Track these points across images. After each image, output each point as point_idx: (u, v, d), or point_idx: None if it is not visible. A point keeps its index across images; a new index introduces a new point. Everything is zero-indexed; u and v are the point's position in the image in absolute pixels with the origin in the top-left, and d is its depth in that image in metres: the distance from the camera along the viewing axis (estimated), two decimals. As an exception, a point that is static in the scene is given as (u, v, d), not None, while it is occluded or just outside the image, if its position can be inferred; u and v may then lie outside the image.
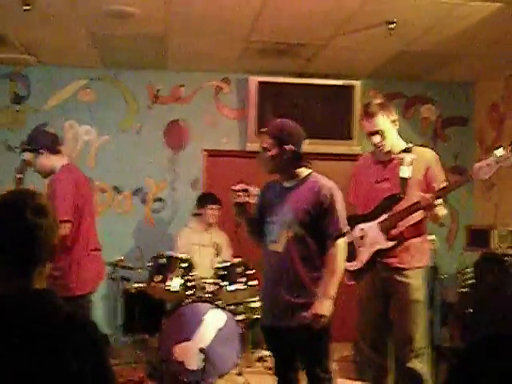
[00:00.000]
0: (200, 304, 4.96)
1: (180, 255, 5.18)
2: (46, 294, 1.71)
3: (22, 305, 1.64)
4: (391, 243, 3.68)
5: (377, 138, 3.71)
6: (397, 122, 3.78)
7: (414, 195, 3.63)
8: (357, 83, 6.38)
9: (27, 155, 4.05)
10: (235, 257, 5.40)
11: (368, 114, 3.73)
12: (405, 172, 3.69)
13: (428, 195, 3.53)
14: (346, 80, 6.37)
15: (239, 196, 3.41)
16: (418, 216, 3.66)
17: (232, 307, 5.24)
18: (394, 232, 3.68)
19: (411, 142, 3.85)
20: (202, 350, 4.64)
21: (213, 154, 6.70)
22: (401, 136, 3.87)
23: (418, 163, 3.71)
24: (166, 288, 4.97)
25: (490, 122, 6.49)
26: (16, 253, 1.67)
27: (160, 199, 6.62)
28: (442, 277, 4.14)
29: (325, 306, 3.26)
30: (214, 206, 5.78)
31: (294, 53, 5.82)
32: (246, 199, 3.42)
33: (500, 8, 4.44)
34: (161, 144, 6.60)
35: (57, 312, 1.67)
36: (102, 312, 6.23)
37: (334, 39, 5.35)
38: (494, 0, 4.36)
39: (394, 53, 5.72)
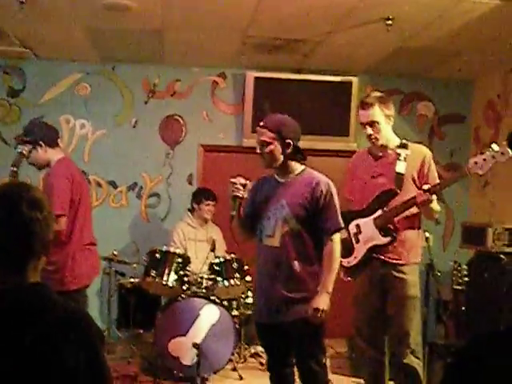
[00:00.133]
0: (195, 299, 4.97)
1: (175, 250, 5.17)
2: (41, 288, 1.69)
3: (17, 299, 1.63)
4: (387, 239, 3.69)
5: (370, 130, 3.72)
6: (392, 118, 3.79)
7: (409, 190, 3.64)
8: (354, 79, 6.36)
9: (23, 148, 4.00)
10: (229, 252, 5.39)
11: (364, 104, 3.75)
12: (401, 167, 3.69)
13: (424, 189, 3.53)
14: (343, 76, 6.36)
15: (238, 189, 3.40)
16: (412, 210, 3.67)
17: (226, 303, 5.24)
18: (389, 227, 3.68)
19: (407, 139, 3.86)
20: (195, 345, 4.64)
21: (209, 149, 6.69)
22: (397, 132, 3.88)
23: (413, 159, 3.73)
24: (164, 283, 4.95)
25: (486, 120, 6.49)
26: (11, 246, 1.65)
27: (156, 194, 6.61)
28: (437, 274, 4.13)
29: (324, 301, 3.29)
30: (210, 202, 5.77)
31: (291, 48, 5.80)
32: (244, 194, 3.42)
33: (499, 5, 4.43)
34: (157, 139, 6.58)
35: (52, 306, 1.66)
36: (96, 307, 6.23)
37: (331, 35, 5.34)
38: (492, -3, 4.36)
39: (392, 49, 5.71)
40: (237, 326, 5.15)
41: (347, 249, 3.71)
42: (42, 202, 1.70)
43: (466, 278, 4.61)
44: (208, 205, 5.78)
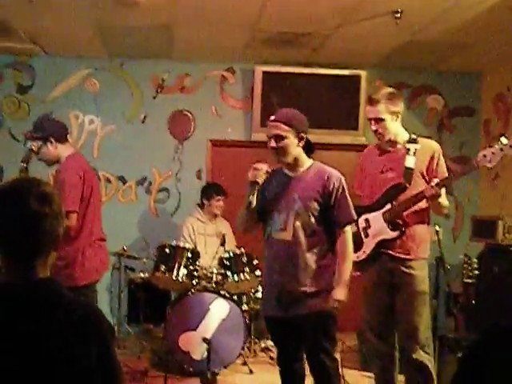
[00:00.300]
0: (205, 294, 4.97)
1: (185, 245, 5.18)
2: (51, 283, 1.70)
3: (27, 294, 1.63)
4: (395, 233, 3.68)
5: (375, 125, 3.72)
6: (399, 115, 3.76)
7: (418, 185, 3.63)
8: (363, 73, 6.34)
9: (33, 144, 4.00)
10: (239, 247, 5.39)
11: (371, 100, 3.75)
12: (410, 162, 3.68)
13: (433, 184, 3.52)
14: (352, 70, 6.34)
15: (260, 176, 3.39)
16: (421, 204, 3.66)
17: (236, 297, 5.25)
18: (398, 221, 3.68)
19: (416, 133, 3.84)
20: (205, 340, 4.65)
21: (218, 144, 6.69)
22: (406, 126, 3.86)
23: (422, 154, 3.71)
24: (173, 278, 4.96)
25: (496, 112, 6.46)
26: (20, 241, 1.65)
27: (165, 189, 6.62)
28: (448, 267, 4.12)
29: (343, 292, 3.30)
30: (220, 198, 5.77)
31: (299, 42, 5.79)
32: (262, 181, 3.40)
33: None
34: (166, 134, 6.59)
35: (62, 301, 1.66)
36: (106, 302, 6.25)
37: (340, 29, 5.32)
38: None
39: (400, 42, 5.68)
40: (247, 321, 5.15)
41: (356, 243, 3.69)
42: (51, 196, 1.69)
43: (476, 272, 4.58)
44: (219, 200, 5.77)
